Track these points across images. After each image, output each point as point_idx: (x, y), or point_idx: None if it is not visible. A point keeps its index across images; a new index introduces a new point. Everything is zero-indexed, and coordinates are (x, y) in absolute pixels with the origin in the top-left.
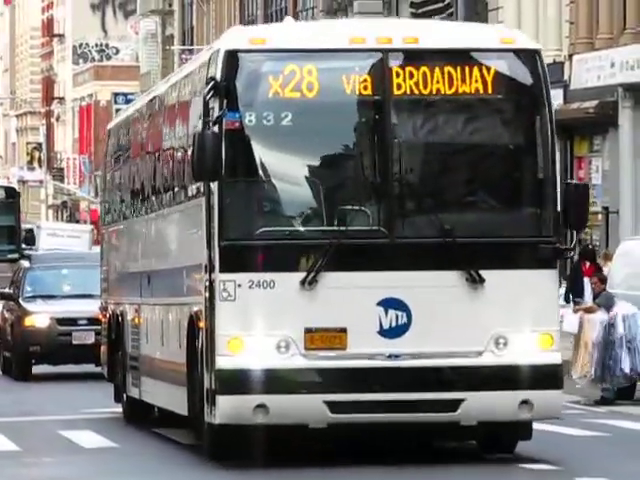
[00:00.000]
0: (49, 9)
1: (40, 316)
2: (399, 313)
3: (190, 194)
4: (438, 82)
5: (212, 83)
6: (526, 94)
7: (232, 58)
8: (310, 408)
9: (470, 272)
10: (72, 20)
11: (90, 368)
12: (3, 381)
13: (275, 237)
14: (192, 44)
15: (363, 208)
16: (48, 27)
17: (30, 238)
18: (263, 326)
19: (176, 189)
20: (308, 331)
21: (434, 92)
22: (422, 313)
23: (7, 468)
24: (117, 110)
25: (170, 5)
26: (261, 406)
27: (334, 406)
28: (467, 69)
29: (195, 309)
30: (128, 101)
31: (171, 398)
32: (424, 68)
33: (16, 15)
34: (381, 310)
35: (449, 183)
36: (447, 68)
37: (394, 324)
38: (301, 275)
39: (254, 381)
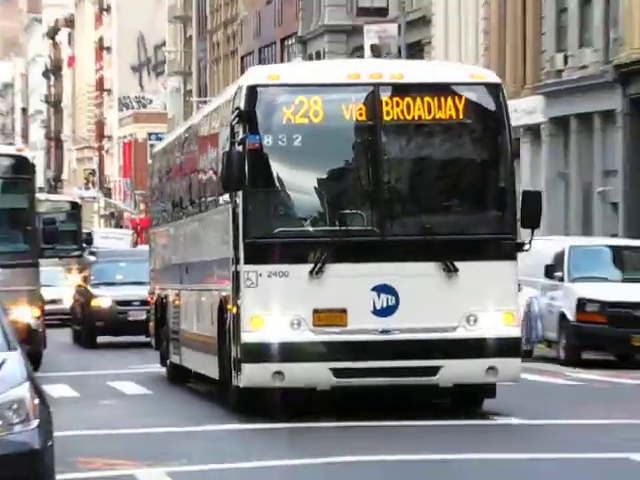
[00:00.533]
0: (100, 70)
1: (103, 299)
2: (389, 296)
3: (220, 202)
4: (420, 110)
5: (237, 112)
6: (490, 119)
7: (253, 91)
8: (318, 374)
9: (446, 263)
10: (118, 79)
11: (141, 339)
12: (74, 348)
13: (289, 236)
14: (206, 96)
15: (359, 212)
16: (100, 84)
17: (89, 240)
18: (279, 307)
19: (208, 198)
20: (316, 311)
21: (417, 118)
22: (407, 296)
23: (68, 409)
24: (151, 145)
25: (189, 68)
26: (278, 372)
27: (337, 372)
28: (443, 99)
29: (224, 294)
30: (159, 138)
31: (205, 364)
32: (408, 98)
33: (76, 74)
34: (374, 294)
35: (429, 191)
36: (427, 98)
37: (385, 305)
38: (310, 266)
39: (272, 352)
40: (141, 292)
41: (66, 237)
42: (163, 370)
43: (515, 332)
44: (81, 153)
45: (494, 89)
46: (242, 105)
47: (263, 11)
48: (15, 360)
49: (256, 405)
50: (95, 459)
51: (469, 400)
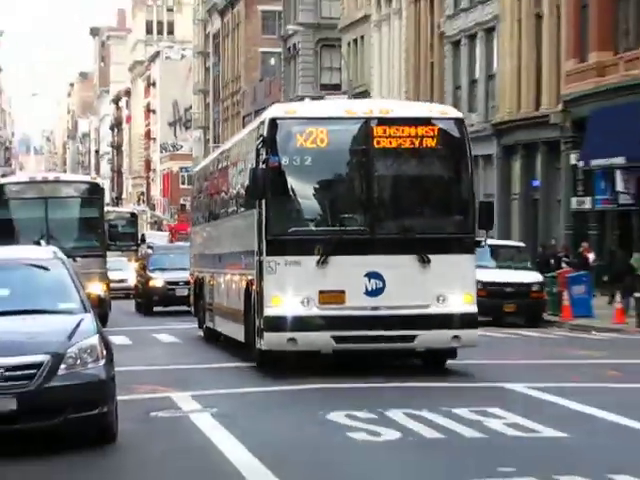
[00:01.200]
0: (148, 125)
1: (158, 280)
2: (377, 281)
3: (247, 207)
4: (401, 138)
5: (261, 138)
6: (456, 146)
7: (274, 123)
8: (322, 340)
9: (421, 255)
10: (159, 131)
11: (184, 309)
12: (136, 315)
13: (300, 234)
14: (219, 143)
15: (354, 216)
16: (147, 134)
17: (143, 239)
18: (293, 289)
19: (237, 205)
20: (321, 292)
21: (399, 144)
22: (392, 281)
23: (125, 352)
24: (182, 175)
25: (208, 124)
26: (291, 339)
27: (337, 339)
28: (419, 130)
29: (250, 278)
30: (187, 170)
31: (234, 330)
32: (392, 129)
33: (132, 128)
34: (366, 279)
35: (408, 201)
36: (406, 129)
37: (374, 288)
38: (316, 257)
39: (287, 323)
40: (184, 275)
41: (127, 237)
42: (200, 332)
43: (473, 309)
44: (134, 181)
45: (458, 123)
46: (265, 133)
47: (257, 86)
48: (89, 319)
49: (274, 362)
50: (143, 386)
51: (437, 360)
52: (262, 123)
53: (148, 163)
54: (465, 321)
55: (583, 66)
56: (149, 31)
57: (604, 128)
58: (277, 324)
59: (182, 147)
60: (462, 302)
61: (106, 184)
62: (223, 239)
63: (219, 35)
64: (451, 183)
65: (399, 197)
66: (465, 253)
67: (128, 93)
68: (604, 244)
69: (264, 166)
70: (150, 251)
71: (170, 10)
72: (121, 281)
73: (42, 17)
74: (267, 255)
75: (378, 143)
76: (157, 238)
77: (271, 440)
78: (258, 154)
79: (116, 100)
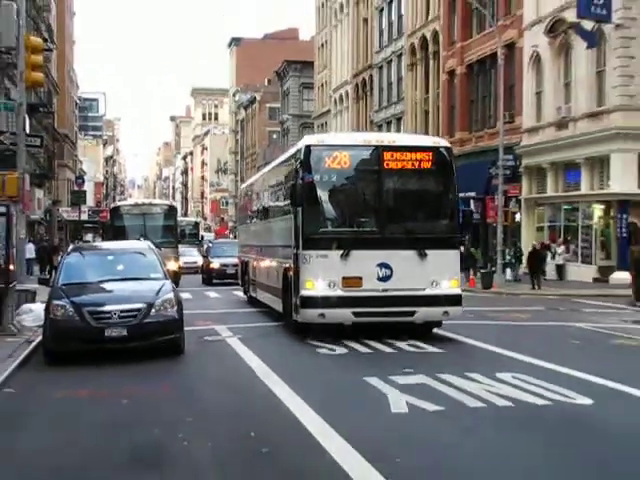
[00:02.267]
0: (203, 172)
1: (215, 263)
2: (387, 270)
3: (285, 213)
4: (404, 161)
5: (299, 161)
6: (445, 168)
7: (308, 149)
8: (344, 315)
9: (420, 251)
10: (209, 175)
11: (233, 281)
12: (201, 285)
13: (328, 234)
14: (244, 182)
15: (369, 220)
16: (202, 178)
17: (202, 237)
18: (322, 275)
19: (279, 210)
20: (344, 278)
21: (403, 166)
22: (398, 270)
23: (189, 302)
24: (222, 201)
25: (237, 171)
26: (321, 314)
27: (356, 314)
28: (418, 155)
29: (286, 265)
30: (225, 199)
31: (273, 302)
32: (398, 154)
33: (194, 174)
34: (378, 268)
35: (410, 209)
36: (408, 154)
37: (384, 275)
38: (340, 252)
39: (318, 302)
40: (233, 260)
41: (193, 236)
42: (243, 296)
43: (458, 291)
44: (195, 204)
45: (447, 150)
46: (302, 157)
47: (266, 150)
48: (168, 283)
49: (307, 329)
50: (199, 321)
51: (428, 328)
52: (299, 150)
53: (202, 194)
54: (452, 300)
55: (452, 140)
56: (204, 118)
57: (464, 175)
58: (310, 302)
59: (222, 184)
60: (450, 286)
61: (178, 205)
62: (264, 235)
63: (244, 120)
64: (442, 195)
65: (403, 206)
66: (452, 249)
67: (191, 154)
68: None
69: (301, 182)
70: (210, 244)
71: (216, 106)
72: (193, 263)
73: (132, 106)
74: (303, 249)
75: (387, 165)
76: (208, 237)
77: (273, 352)
78: (297, 173)
79: (184, 157)
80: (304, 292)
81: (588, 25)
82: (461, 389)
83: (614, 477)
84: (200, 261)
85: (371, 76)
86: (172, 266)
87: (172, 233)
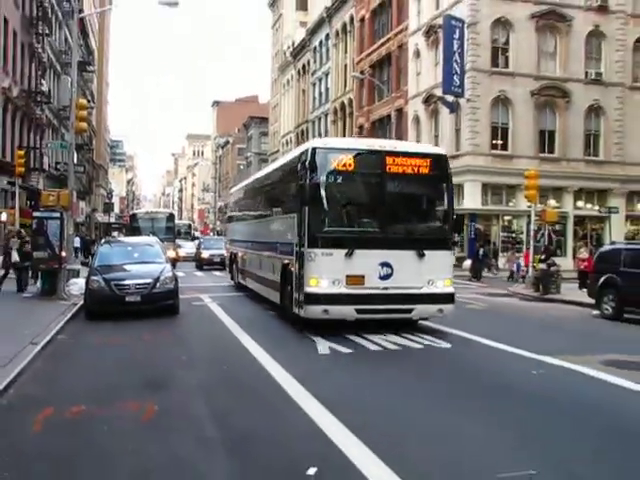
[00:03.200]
0: (193, 190)
1: (205, 254)
2: (388, 269)
3: (290, 211)
4: (405, 166)
5: (305, 162)
6: (442, 173)
7: (314, 151)
8: (348, 311)
9: (418, 251)
10: (198, 193)
11: (221, 269)
12: (195, 270)
13: (332, 233)
14: (221, 200)
15: (372, 221)
16: (192, 194)
17: (194, 236)
18: (327, 273)
19: (285, 208)
20: (347, 276)
21: (403, 170)
22: (398, 269)
23: (182, 279)
24: (207, 211)
25: (216, 191)
26: (325, 310)
27: (358, 311)
28: (417, 161)
29: (286, 261)
30: (208, 210)
31: (269, 293)
32: (399, 159)
33: (186, 192)
34: (380, 267)
35: (409, 211)
36: (408, 160)
37: (385, 274)
38: (344, 250)
39: (322, 298)
40: (221, 251)
41: (186, 234)
42: (229, 281)
43: (452, 290)
44: (187, 212)
45: (443, 157)
46: (308, 159)
47: (236, 177)
48: (168, 266)
49: (310, 324)
50: (190, 292)
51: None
52: (306, 151)
53: (192, 205)
54: (446, 298)
55: None
56: (194, 154)
57: None
58: (315, 299)
59: (205, 199)
60: (444, 285)
61: (176, 213)
62: (259, 231)
63: (221, 156)
64: (438, 199)
65: (403, 208)
66: (447, 250)
67: (185, 178)
68: None
69: (308, 182)
70: (201, 240)
71: (202, 146)
72: (190, 253)
73: (145, 145)
74: (308, 247)
75: (389, 169)
76: (197, 235)
77: (243, 315)
78: (303, 173)
79: (180, 180)
80: (308, 289)
81: (450, 98)
82: (372, 341)
83: (457, 389)
84: (194, 252)
85: (307, 128)
86: (171, 254)
87: (171, 232)
